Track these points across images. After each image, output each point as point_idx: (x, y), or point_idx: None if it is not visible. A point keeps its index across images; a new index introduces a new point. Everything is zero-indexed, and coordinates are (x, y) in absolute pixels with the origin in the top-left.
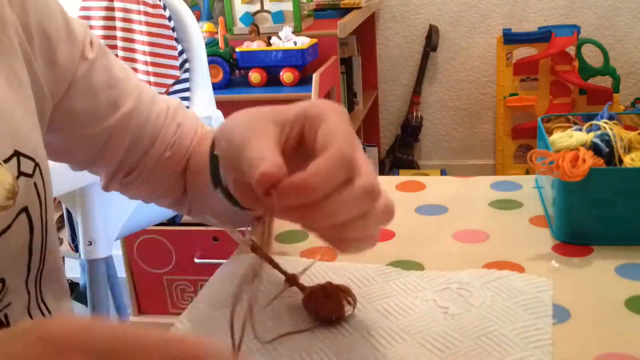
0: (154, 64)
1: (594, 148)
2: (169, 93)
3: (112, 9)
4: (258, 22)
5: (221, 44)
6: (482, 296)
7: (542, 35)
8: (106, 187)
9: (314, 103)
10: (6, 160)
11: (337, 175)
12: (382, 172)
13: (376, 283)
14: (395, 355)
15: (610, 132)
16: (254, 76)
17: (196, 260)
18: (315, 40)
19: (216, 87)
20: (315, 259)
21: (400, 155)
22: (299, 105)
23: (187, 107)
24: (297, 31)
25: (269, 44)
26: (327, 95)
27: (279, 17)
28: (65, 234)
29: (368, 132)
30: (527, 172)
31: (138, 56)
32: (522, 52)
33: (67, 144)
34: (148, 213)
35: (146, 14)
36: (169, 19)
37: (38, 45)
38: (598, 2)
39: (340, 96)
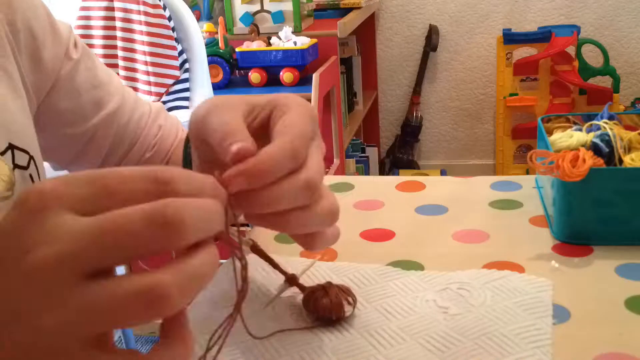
0: (154, 64)
1: (594, 148)
2: (168, 93)
3: (112, 9)
4: (258, 22)
5: (221, 44)
6: (482, 296)
7: (542, 35)
8: None
9: (286, 95)
10: (1, 153)
11: (284, 165)
12: (382, 172)
13: (376, 283)
14: (395, 356)
15: (610, 132)
16: (254, 76)
17: None
18: (315, 40)
19: (216, 87)
20: (315, 259)
21: (400, 155)
22: (271, 95)
23: (187, 107)
24: (297, 31)
25: (269, 44)
26: (327, 95)
27: (279, 17)
28: None
29: (368, 132)
30: (527, 172)
31: (138, 56)
32: (522, 52)
33: (51, 142)
34: None
35: (146, 14)
36: (169, 19)
37: (23, 43)
38: (598, 2)
39: (340, 96)
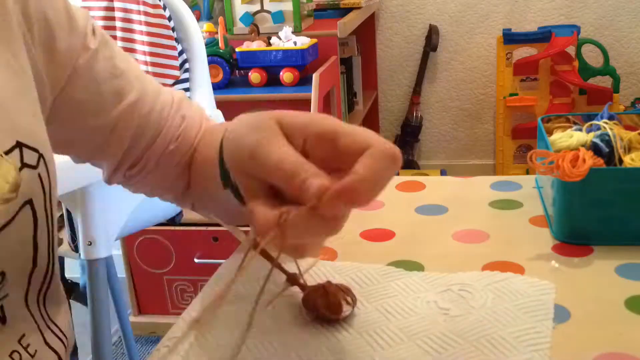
0: (154, 64)
1: (594, 148)
2: None
3: (112, 9)
4: (258, 22)
5: (221, 44)
6: (483, 298)
7: (542, 35)
8: (109, 180)
9: (340, 123)
10: (8, 152)
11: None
12: None
13: (378, 283)
14: (393, 357)
15: (610, 132)
16: (254, 76)
17: (196, 261)
18: (315, 40)
19: (216, 87)
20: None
21: None
22: (312, 118)
23: None
24: (297, 31)
25: (269, 44)
26: (327, 95)
27: (279, 17)
28: (65, 234)
29: None
30: (527, 172)
31: (138, 56)
32: (522, 52)
33: (71, 135)
34: (148, 213)
35: (146, 14)
36: (169, 19)
37: (37, 32)
38: (598, 2)
39: (340, 96)
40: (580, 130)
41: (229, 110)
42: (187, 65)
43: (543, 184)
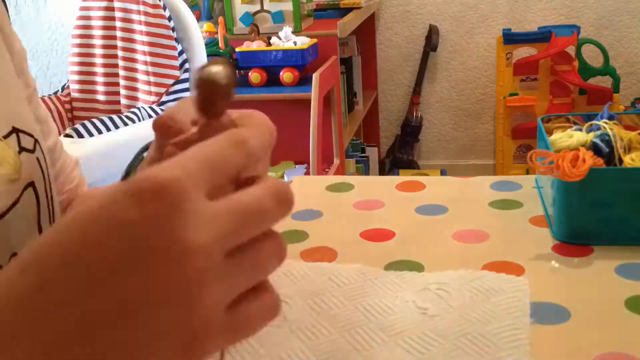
0: (154, 64)
1: (594, 148)
2: (168, 93)
3: (112, 9)
4: (258, 22)
5: (221, 44)
6: (460, 297)
7: (542, 35)
8: None
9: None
10: (5, 137)
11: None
12: (382, 172)
13: (355, 282)
14: (376, 357)
15: (610, 132)
16: (254, 76)
17: None
18: (315, 40)
19: None
20: (322, 261)
21: (400, 155)
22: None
23: None
24: (297, 31)
25: (269, 44)
26: (327, 95)
27: (279, 17)
28: None
29: (368, 132)
30: (527, 172)
31: (138, 56)
32: (522, 52)
33: None
34: None
35: (146, 14)
36: (169, 19)
37: None
38: (598, 2)
39: (340, 96)
40: (580, 130)
41: (229, 110)
42: (187, 65)
43: (543, 184)
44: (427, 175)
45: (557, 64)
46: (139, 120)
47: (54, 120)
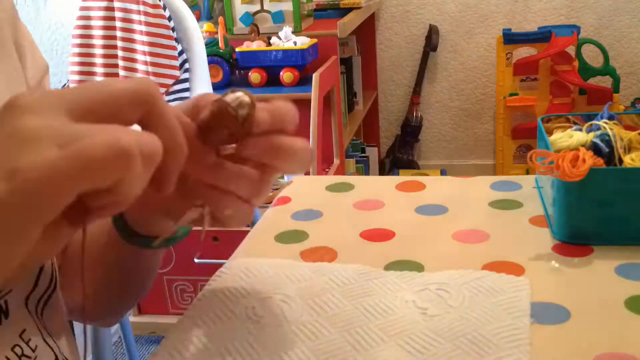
0: (154, 64)
1: (594, 148)
2: (169, 93)
3: (112, 9)
4: (258, 22)
5: (221, 44)
6: (460, 297)
7: (542, 35)
8: None
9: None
10: None
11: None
12: (382, 172)
13: (355, 282)
14: (376, 357)
15: (610, 132)
16: (254, 76)
17: (196, 260)
18: (315, 40)
19: (216, 87)
20: (321, 261)
21: (400, 155)
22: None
23: None
24: (297, 31)
25: (269, 44)
26: (327, 95)
27: (279, 17)
28: None
29: (368, 132)
30: (527, 172)
31: (138, 56)
32: (522, 52)
33: None
34: None
35: (146, 14)
36: (169, 19)
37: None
38: (598, 2)
39: (340, 96)
40: (580, 130)
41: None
42: (187, 65)
43: (543, 184)
44: (427, 175)
45: (557, 64)
46: None
47: None
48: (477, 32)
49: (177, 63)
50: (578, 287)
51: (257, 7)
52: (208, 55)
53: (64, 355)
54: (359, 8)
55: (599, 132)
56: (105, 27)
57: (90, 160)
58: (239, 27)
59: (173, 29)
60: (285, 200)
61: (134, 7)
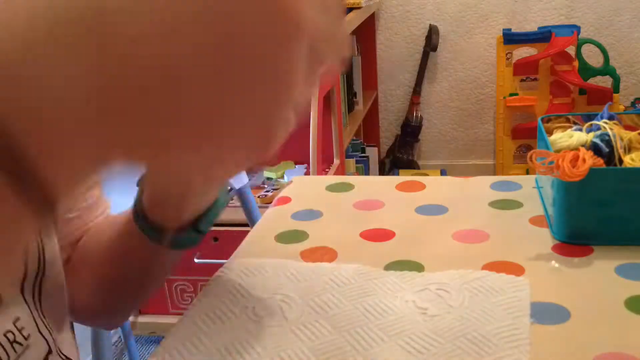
0: None
1: (594, 148)
2: None
3: None
4: None
5: None
6: (460, 297)
7: (542, 35)
8: None
9: None
10: None
11: None
12: (382, 172)
13: (355, 282)
14: (375, 357)
15: (610, 132)
16: None
17: (196, 260)
18: None
19: None
20: (321, 261)
21: (400, 155)
22: None
23: None
24: None
25: None
26: (327, 95)
27: None
28: None
29: (368, 132)
30: (527, 172)
31: None
32: (522, 52)
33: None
34: None
35: None
36: None
37: None
38: (598, 2)
39: (340, 96)
40: (580, 130)
41: None
42: None
43: (543, 184)
44: (427, 175)
45: (557, 64)
46: None
47: None
48: (477, 32)
49: None
50: (578, 287)
51: None
52: None
53: (59, 349)
54: (359, 8)
55: (599, 132)
56: None
57: None
58: None
59: None
60: (285, 200)
61: None
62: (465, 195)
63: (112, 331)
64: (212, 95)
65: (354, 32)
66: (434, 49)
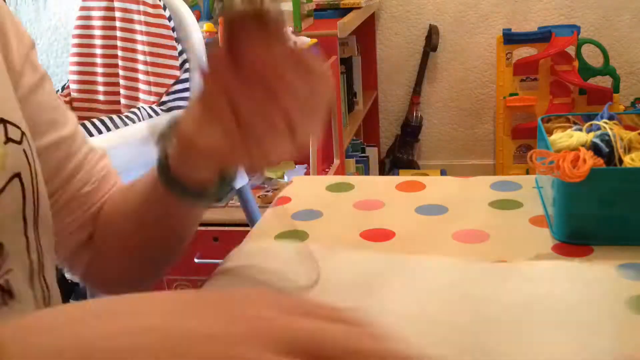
0: (154, 64)
1: (594, 148)
2: (168, 93)
3: (112, 9)
4: None
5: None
6: (548, 286)
7: (542, 35)
8: None
9: None
10: None
11: None
12: (382, 172)
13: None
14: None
15: (610, 132)
16: None
17: (196, 260)
18: (315, 40)
19: None
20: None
21: (400, 155)
22: None
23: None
24: (297, 31)
25: None
26: None
27: None
28: None
29: (368, 132)
30: (527, 172)
31: (138, 56)
32: (522, 52)
33: None
34: None
35: (146, 14)
36: (169, 19)
37: None
38: (598, 2)
39: (340, 96)
40: (580, 130)
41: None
42: (187, 65)
43: (543, 184)
44: (427, 175)
45: (557, 64)
46: (139, 121)
47: None
48: (477, 32)
49: (177, 63)
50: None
51: None
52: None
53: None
54: (359, 8)
55: (599, 132)
56: (105, 27)
57: None
58: None
59: (173, 29)
60: (285, 200)
61: (134, 7)
62: (465, 195)
63: None
64: None
65: (354, 32)
66: (434, 49)
